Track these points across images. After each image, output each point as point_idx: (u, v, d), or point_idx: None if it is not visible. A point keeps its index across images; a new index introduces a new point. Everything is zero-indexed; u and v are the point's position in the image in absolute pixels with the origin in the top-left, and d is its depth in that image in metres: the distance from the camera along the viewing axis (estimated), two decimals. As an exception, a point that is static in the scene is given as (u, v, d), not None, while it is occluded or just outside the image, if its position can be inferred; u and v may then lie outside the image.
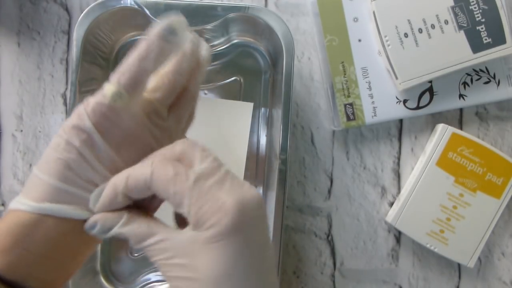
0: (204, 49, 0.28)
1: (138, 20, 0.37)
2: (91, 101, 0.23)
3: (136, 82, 0.23)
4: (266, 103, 0.41)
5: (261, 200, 0.22)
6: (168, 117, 0.27)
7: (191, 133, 0.40)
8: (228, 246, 0.20)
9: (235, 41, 0.41)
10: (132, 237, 0.23)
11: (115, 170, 0.24)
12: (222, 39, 0.40)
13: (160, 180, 0.22)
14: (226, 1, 0.42)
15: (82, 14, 0.35)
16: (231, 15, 0.36)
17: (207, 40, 0.39)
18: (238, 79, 0.41)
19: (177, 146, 0.23)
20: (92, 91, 0.37)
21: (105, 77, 0.39)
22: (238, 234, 0.21)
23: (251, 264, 0.21)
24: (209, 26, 0.36)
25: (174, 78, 0.26)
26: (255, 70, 0.41)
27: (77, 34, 0.35)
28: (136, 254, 0.41)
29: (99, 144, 0.23)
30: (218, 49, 0.41)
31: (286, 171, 0.36)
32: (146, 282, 0.40)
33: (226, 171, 0.22)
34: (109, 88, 0.23)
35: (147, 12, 0.36)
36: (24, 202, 0.22)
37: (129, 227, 0.23)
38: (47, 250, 0.23)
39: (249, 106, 0.40)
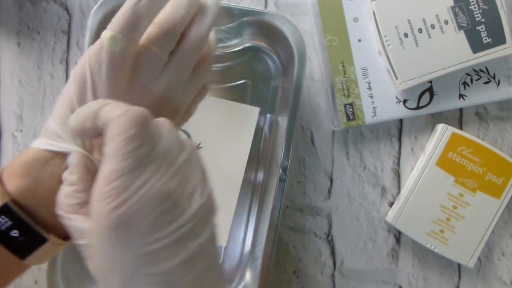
0: None
1: None
2: (91, 50, 0.24)
3: (131, 27, 0.24)
4: (272, 109, 0.40)
5: None
6: (167, 67, 0.27)
7: (195, 129, 0.40)
8: None
9: (248, 44, 0.40)
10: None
11: None
12: (235, 41, 0.40)
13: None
14: (234, 2, 0.42)
15: (99, 3, 0.36)
16: (247, 18, 0.36)
17: (221, 41, 0.39)
18: (247, 82, 0.41)
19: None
20: None
21: None
22: None
23: None
24: (223, 27, 0.36)
25: (168, 20, 0.26)
26: (265, 75, 0.41)
27: (92, 21, 0.36)
28: None
29: (100, 88, 0.24)
30: (231, 50, 0.40)
31: (286, 180, 0.36)
32: None
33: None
34: (105, 33, 0.24)
35: None
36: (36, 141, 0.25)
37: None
38: (54, 185, 0.24)
39: (255, 110, 0.40)
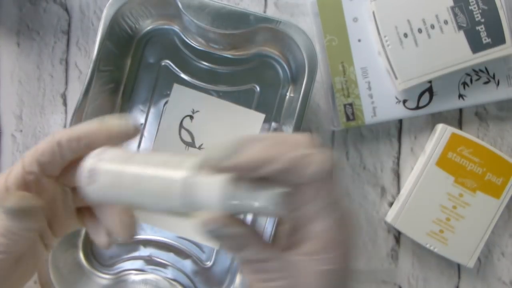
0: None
1: (169, 10, 0.38)
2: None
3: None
4: (278, 117, 0.40)
5: None
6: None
7: (198, 129, 0.40)
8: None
9: (260, 50, 0.40)
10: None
11: None
12: (247, 45, 0.40)
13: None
14: (233, 2, 0.42)
15: None
16: (261, 25, 0.36)
17: (232, 44, 0.39)
18: (255, 88, 0.40)
19: None
20: (109, 72, 0.38)
21: (124, 59, 0.40)
22: None
23: None
24: (237, 32, 0.36)
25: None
26: (273, 82, 0.40)
27: (107, 13, 0.36)
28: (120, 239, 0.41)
29: None
30: (241, 54, 0.40)
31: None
32: (123, 269, 0.40)
33: None
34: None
35: (180, 5, 0.36)
36: None
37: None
38: None
39: (260, 117, 0.40)
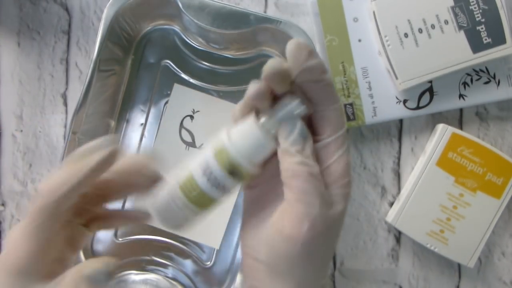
0: None
1: (170, 10, 0.38)
2: None
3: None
4: None
5: None
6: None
7: (199, 128, 0.40)
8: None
9: (260, 50, 0.40)
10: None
11: None
12: (247, 45, 0.40)
13: None
14: (233, 2, 0.42)
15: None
16: (262, 25, 0.36)
17: (232, 44, 0.39)
18: None
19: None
20: (110, 71, 0.38)
21: (124, 59, 0.40)
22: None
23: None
24: (237, 32, 0.36)
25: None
26: None
27: (107, 13, 0.36)
28: (120, 239, 0.41)
29: None
30: (242, 54, 0.40)
31: None
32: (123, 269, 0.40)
33: None
34: None
35: (180, 5, 0.36)
36: None
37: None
38: None
39: None
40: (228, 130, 0.25)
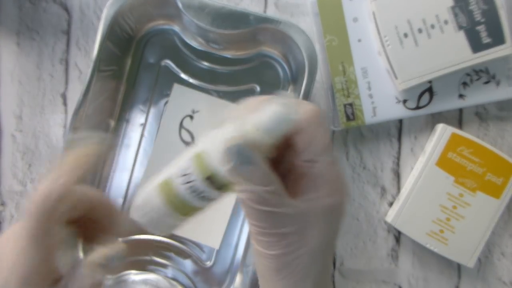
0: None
1: (170, 10, 0.38)
2: None
3: None
4: None
5: None
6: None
7: (198, 129, 0.40)
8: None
9: (260, 50, 0.40)
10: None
11: None
12: (247, 45, 0.40)
13: None
14: (233, 2, 0.42)
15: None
16: (261, 25, 0.36)
17: (232, 44, 0.39)
18: (255, 88, 0.40)
19: None
20: (109, 71, 0.38)
21: (124, 59, 0.40)
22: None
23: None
24: (237, 32, 0.36)
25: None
26: (274, 83, 0.40)
27: (107, 13, 0.36)
28: (120, 239, 0.40)
29: None
30: (242, 54, 0.40)
31: None
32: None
33: None
34: None
35: (180, 5, 0.36)
36: None
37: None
38: None
39: None
40: (211, 135, 0.23)
